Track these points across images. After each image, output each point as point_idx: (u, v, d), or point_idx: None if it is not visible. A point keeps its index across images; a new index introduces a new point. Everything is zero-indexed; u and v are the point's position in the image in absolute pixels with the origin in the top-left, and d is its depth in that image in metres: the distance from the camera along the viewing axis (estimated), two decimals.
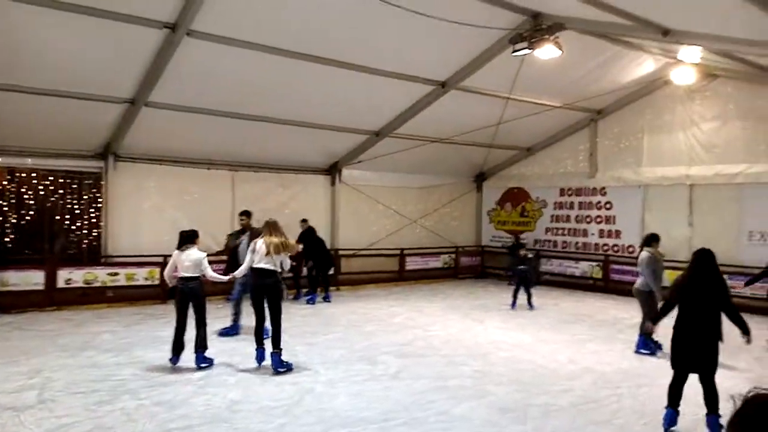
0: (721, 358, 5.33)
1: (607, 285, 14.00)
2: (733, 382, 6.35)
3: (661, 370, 7.29)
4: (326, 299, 12.15)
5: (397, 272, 15.32)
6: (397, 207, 15.47)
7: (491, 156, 15.66)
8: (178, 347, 7.06)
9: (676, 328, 5.35)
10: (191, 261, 7.08)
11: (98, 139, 11.22)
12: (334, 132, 12.62)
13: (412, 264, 15.65)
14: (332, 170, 14.62)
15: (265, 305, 7.10)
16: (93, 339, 8.51)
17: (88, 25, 7.82)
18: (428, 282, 15.37)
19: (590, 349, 8.43)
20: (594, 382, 6.82)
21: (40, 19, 7.63)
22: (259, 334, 7.17)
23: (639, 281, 8.34)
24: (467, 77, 10.94)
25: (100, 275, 11.16)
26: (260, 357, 7.13)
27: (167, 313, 10.60)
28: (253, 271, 7.15)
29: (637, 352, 8.18)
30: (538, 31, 8.83)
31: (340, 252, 14.50)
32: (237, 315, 8.90)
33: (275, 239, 7.15)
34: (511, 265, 12.47)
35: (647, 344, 8.16)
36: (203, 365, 7.08)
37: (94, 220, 11.73)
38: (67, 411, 5.55)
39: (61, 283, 10.72)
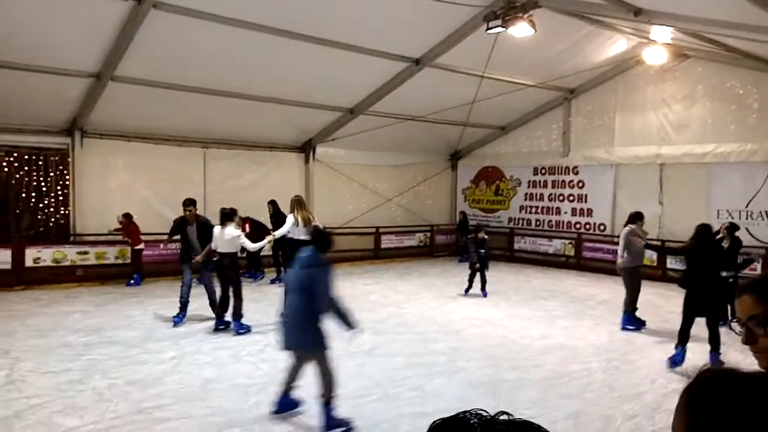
0: None
1: (579, 262, 14.25)
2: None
3: (632, 345, 7.51)
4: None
5: (373, 250, 15.35)
6: (372, 185, 15.44)
7: (466, 134, 15.68)
8: (223, 308, 7.96)
9: (686, 284, 6.71)
10: (229, 238, 7.76)
11: (64, 115, 10.91)
12: (308, 109, 12.47)
13: (387, 242, 15.69)
14: (306, 147, 14.48)
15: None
16: (64, 319, 8.38)
17: None
18: (403, 260, 15.44)
19: (561, 325, 8.59)
20: (565, 357, 6.96)
21: None
22: None
23: (623, 259, 8.42)
24: (441, 54, 10.88)
25: (69, 254, 10.96)
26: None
27: (138, 292, 10.51)
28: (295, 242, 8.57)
29: (623, 328, 8.29)
30: (512, 9, 8.79)
31: None
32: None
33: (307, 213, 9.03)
34: (469, 247, 11.30)
35: (632, 321, 8.32)
36: (241, 331, 7.72)
37: (62, 198, 11.46)
38: (37, 391, 5.48)
39: (29, 262, 10.51)
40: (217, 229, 7.92)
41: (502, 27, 8.97)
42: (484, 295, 10.50)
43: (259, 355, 6.83)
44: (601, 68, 13.06)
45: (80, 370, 6.15)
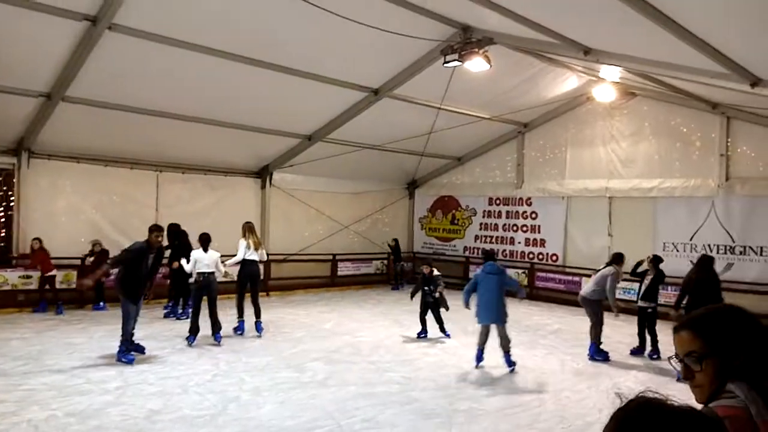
0: None
1: (532, 292, 14.47)
2: None
3: (581, 375, 7.64)
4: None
5: (329, 278, 15.24)
6: (330, 212, 15.40)
7: (423, 164, 15.89)
8: (195, 329, 8.49)
9: (688, 309, 7.53)
10: (211, 260, 8.72)
11: (11, 134, 10.54)
12: (265, 135, 12.41)
13: (344, 269, 15.61)
14: (263, 173, 14.37)
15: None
16: (1, 346, 7.96)
17: (4, 13, 7.34)
18: (360, 288, 15.37)
19: (514, 353, 8.66)
20: (517, 387, 7.02)
21: None
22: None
23: (587, 289, 8.65)
24: (400, 85, 11.06)
25: (10, 278, 10.48)
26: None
27: (82, 318, 10.10)
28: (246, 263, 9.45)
29: (592, 358, 8.40)
30: (468, 44, 9.04)
31: (270, 257, 14.25)
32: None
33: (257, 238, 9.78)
34: (416, 285, 9.91)
35: (600, 352, 8.46)
36: (218, 340, 8.59)
37: (4, 220, 10.98)
38: None
39: None
40: (199, 252, 8.75)
41: (459, 61, 9.20)
42: (446, 335, 9.51)
43: (207, 386, 6.63)
44: (553, 104, 13.51)
45: (16, 401, 5.84)
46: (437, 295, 9.45)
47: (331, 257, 15.28)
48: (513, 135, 15.17)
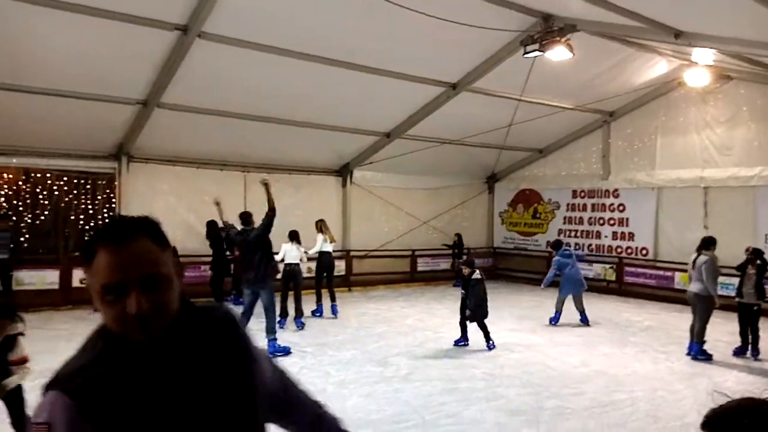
0: None
1: (621, 287, 13.91)
2: None
3: (677, 374, 7.26)
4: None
5: (408, 273, 15.32)
6: (409, 208, 15.46)
7: (503, 157, 15.62)
8: (284, 313, 9.61)
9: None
10: (298, 251, 9.97)
11: (112, 140, 11.32)
12: (345, 133, 12.65)
13: (424, 265, 15.64)
14: (343, 171, 14.66)
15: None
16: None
17: (101, 26, 7.88)
18: (439, 283, 15.34)
19: (603, 352, 8.38)
20: (606, 385, 6.78)
21: (53, 21, 7.70)
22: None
23: (697, 286, 7.97)
24: (478, 79, 10.92)
25: None
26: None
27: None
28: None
29: (694, 358, 7.90)
30: (550, 33, 8.79)
31: (351, 253, 14.53)
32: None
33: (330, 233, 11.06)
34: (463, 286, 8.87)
35: (703, 351, 7.96)
36: (300, 325, 9.54)
37: (108, 221, 11.82)
38: None
39: (76, 283, 10.82)
40: (288, 245, 9.94)
41: (540, 51, 8.97)
42: (490, 347, 8.38)
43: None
44: (641, 90, 12.88)
45: None
46: (470, 297, 8.44)
47: (410, 253, 15.36)
48: (598, 124, 14.61)
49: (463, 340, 8.60)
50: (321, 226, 11.01)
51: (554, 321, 10.27)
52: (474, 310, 8.39)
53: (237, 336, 1.40)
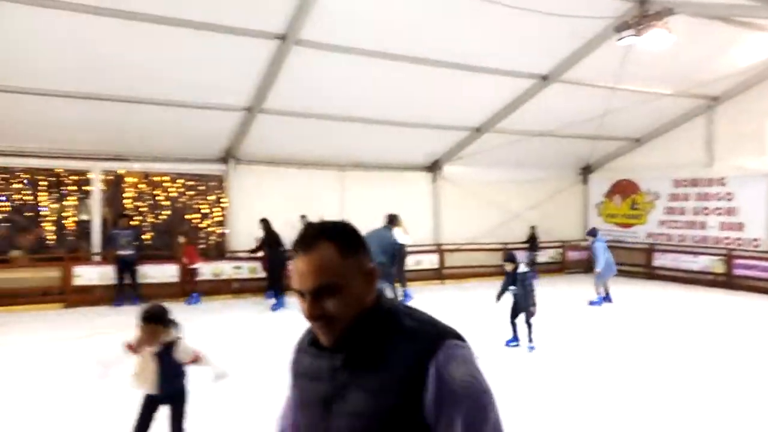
0: None
1: (730, 280, 13.19)
2: None
3: None
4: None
5: (501, 266, 15.26)
6: (500, 202, 15.45)
7: (597, 147, 15.23)
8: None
9: None
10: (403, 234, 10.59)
11: (220, 145, 12.24)
12: (436, 130, 12.89)
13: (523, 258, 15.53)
14: (434, 167, 14.90)
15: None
16: (222, 324, 9.39)
17: (207, 39, 8.56)
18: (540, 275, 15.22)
19: (726, 354, 8.07)
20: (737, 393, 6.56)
21: (164, 37, 8.41)
22: None
23: None
24: (570, 69, 10.78)
25: (225, 269, 12.23)
26: None
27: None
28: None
29: None
30: (645, 18, 8.57)
31: (443, 247, 14.75)
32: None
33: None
34: (503, 285, 8.10)
35: None
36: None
37: (220, 219, 12.86)
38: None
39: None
40: (397, 229, 10.06)
41: (635, 36, 8.76)
42: (531, 347, 7.70)
43: None
44: (748, 72, 12.14)
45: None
46: (519, 290, 7.81)
47: (502, 246, 15.33)
48: (700, 110, 13.89)
49: (514, 340, 7.92)
50: (398, 221, 11.15)
51: (599, 303, 11.00)
52: (527, 306, 7.69)
53: (424, 357, 1.25)
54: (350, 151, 13.23)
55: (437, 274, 14.46)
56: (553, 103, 11.89)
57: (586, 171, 17.01)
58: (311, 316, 1.32)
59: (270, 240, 11.31)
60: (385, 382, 1.27)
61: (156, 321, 3.68)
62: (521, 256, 15.31)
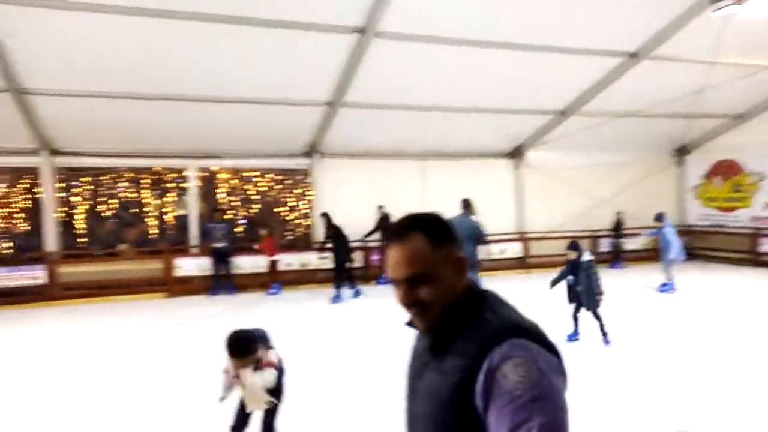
0: None
1: None
2: None
3: None
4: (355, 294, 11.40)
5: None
6: (587, 187, 14.91)
7: (693, 127, 14.31)
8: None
9: None
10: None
11: (305, 139, 12.63)
12: (517, 115, 12.62)
13: (606, 246, 14.98)
14: (516, 153, 14.60)
15: None
16: (307, 312, 9.73)
17: (287, 37, 8.83)
18: (627, 264, 14.60)
19: None
20: None
21: (248, 37, 8.75)
22: None
23: None
24: (661, 45, 10.19)
25: (312, 259, 12.64)
26: None
27: (367, 290, 11.66)
28: None
29: None
30: None
31: (528, 235, 14.46)
32: None
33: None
34: (559, 274, 7.68)
35: None
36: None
37: (306, 211, 13.31)
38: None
39: (282, 266, 12.32)
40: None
41: (736, 4, 8.16)
42: (606, 341, 7.24)
43: None
44: None
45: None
46: (579, 283, 7.30)
47: (590, 233, 14.82)
48: None
49: (575, 334, 7.46)
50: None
51: (670, 289, 10.71)
52: (588, 298, 7.23)
53: (484, 351, 1.27)
54: (430, 141, 13.24)
55: (521, 263, 14.22)
56: (643, 82, 11.30)
57: (682, 152, 16.05)
58: (405, 303, 1.40)
59: (332, 233, 11.41)
60: (450, 366, 1.32)
61: (240, 354, 3.55)
62: (605, 243, 14.95)
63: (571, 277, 7.41)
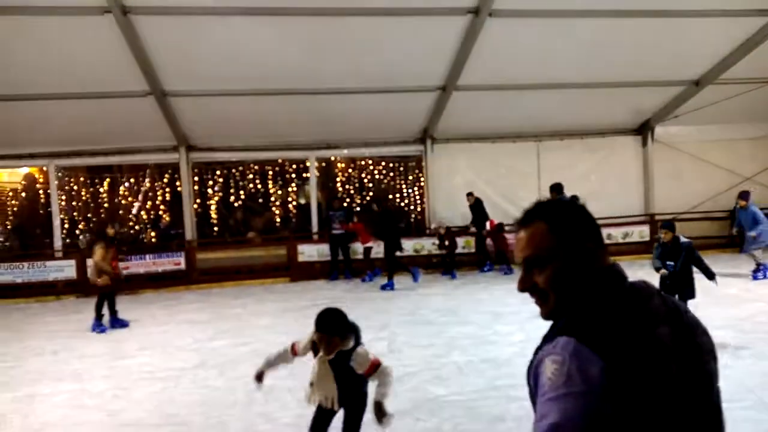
0: None
1: None
2: None
3: None
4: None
5: (728, 237, 13.45)
6: (726, 163, 13.54)
7: None
8: None
9: None
10: None
11: (418, 126, 12.64)
12: (644, 88, 11.73)
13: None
14: (643, 129, 13.59)
15: None
16: (423, 300, 9.78)
17: (399, 24, 8.86)
18: None
19: None
20: None
21: (359, 27, 8.91)
22: None
23: None
24: None
25: (426, 245, 12.69)
26: None
27: (486, 279, 11.50)
28: None
29: None
30: None
31: (657, 217, 13.45)
32: None
33: None
34: (657, 254, 6.97)
35: None
36: None
37: (418, 198, 13.38)
38: (411, 360, 6.54)
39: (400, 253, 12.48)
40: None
41: None
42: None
43: None
44: None
45: (442, 345, 7.12)
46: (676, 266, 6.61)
47: (727, 214, 13.47)
48: None
49: None
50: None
51: (765, 273, 9.97)
52: (683, 285, 6.56)
53: (543, 343, 1.35)
54: (546, 120, 12.68)
55: (649, 247, 13.24)
56: None
57: None
58: (519, 287, 1.43)
59: (383, 220, 11.51)
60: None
61: (330, 332, 3.28)
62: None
63: (670, 262, 6.72)
